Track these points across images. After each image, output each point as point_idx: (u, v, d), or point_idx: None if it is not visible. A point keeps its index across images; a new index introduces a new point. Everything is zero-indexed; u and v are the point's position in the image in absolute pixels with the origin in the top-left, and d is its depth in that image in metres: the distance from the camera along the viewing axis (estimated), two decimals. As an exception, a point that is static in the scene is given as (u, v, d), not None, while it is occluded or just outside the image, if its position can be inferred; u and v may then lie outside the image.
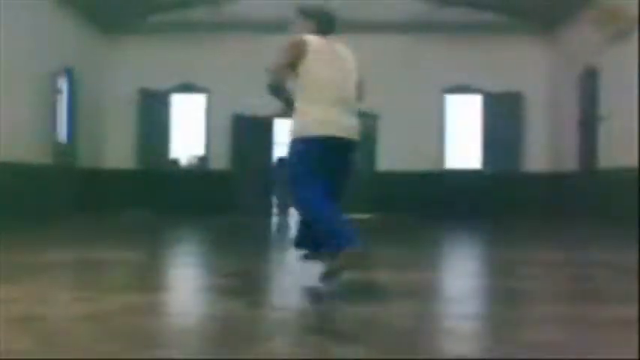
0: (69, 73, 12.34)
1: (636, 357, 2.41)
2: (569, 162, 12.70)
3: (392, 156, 13.80)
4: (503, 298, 3.83)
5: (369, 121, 14.04)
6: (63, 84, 12.29)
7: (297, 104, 3.93)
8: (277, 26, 13.58)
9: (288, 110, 4.04)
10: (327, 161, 3.86)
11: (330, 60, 3.96)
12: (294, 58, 3.90)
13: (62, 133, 12.27)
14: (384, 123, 13.90)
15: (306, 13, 4.27)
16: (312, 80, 3.88)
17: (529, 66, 13.89)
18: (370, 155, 14.06)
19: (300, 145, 3.85)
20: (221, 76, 13.85)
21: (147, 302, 3.48)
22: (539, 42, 14.01)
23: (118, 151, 13.99)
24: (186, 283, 4.52)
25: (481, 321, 3.21)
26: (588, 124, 11.97)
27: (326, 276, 3.75)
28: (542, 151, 13.73)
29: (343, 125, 3.91)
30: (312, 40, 3.97)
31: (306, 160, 3.84)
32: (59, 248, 6.37)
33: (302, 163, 3.85)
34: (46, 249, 6.24)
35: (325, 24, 4.23)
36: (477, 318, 3.25)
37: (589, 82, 11.96)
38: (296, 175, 3.88)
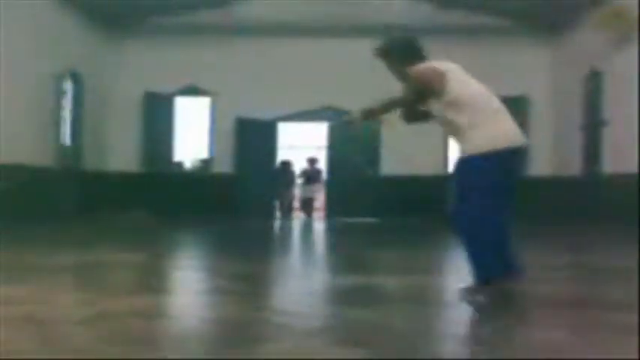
0: (74, 75, 12.38)
1: (636, 357, 2.40)
2: (573, 166, 12.67)
3: (396, 160, 13.78)
4: (504, 301, 3.82)
5: (373, 125, 14.06)
6: (67, 86, 12.33)
7: (462, 123, 3.65)
8: (281, 29, 13.75)
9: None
10: (506, 174, 3.64)
11: (464, 74, 3.81)
12: (439, 86, 3.70)
13: (66, 135, 12.31)
14: (387, 127, 13.87)
15: (395, 50, 4.15)
16: (470, 96, 3.69)
17: (533, 69, 13.87)
18: (374, 159, 14.06)
19: (481, 161, 3.56)
20: (225, 80, 13.87)
21: (149, 305, 3.48)
22: (544, 45, 13.99)
23: (122, 154, 14.01)
24: (189, 286, 4.52)
25: (480, 324, 3.20)
26: (592, 129, 11.94)
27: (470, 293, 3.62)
28: (546, 155, 13.69)
29: (517, 132, 3.67)
30: (438, 63, 3.86)
31: (487, 177, 3.57)
32: (62, 250, 6.38)
33: (483, 180, 3.58)
34: (48, 251, 6.25)
35: (418, 50, 4.10)
36: (476, 321, 3.25)
37: (593, 85, 11.94)
38: (472, 192, 3.60)
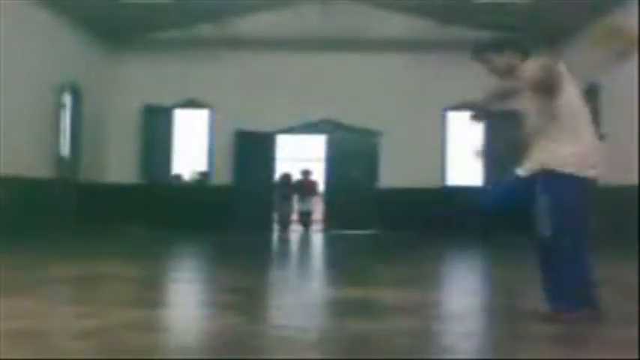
0: (73, 88, 12.42)
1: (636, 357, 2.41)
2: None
3: (394, 173, 13.81)
4: (502, 315, 3.83)
5: (371, 138, 14.10)
6: (67, 99, 12.36)
7: (557, 131, 3.52)
8: (280, 43, 13.82)
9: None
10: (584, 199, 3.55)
11: (574, 84, 3.67)
12: (557, 85, 3.55)
13: (65, 147, 12.32)
14: (385, 140, 13.92)
15: (512, 43, 3.88)
16: (576, 107, 3.60)
17: (531, 84, 13.90)
18: (372, 172, 14.08)
19: (576, 182, 3.46)
20: (224, 92, 13.92)
21: (147, 318, 3.48)
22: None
23: (120, 166, 14.02)
24: (186, 299, 4.52)
25: (480, 338, 3.21)
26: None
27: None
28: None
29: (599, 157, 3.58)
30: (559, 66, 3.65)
31: (580, 203, 3.50)
32: (60, 263, 6.37)
33: (577, 207, 3.49)
34: (47, 263, 6.25)
35: (527, 50, 3.86)
36: (476, 335, 3.25)
37: (591, 99, 11.99)
38: (568, 213, 3.47)
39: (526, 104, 3.68)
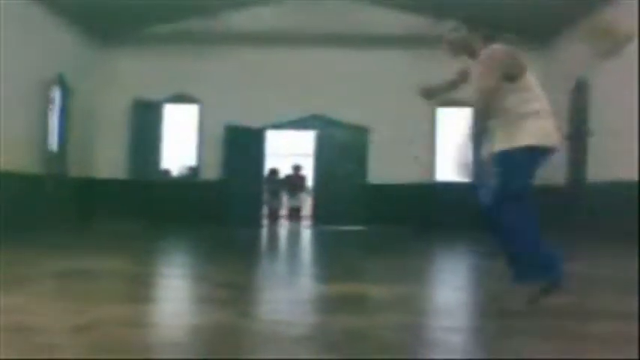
0: (62, 82, 12.34)
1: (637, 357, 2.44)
2: (558, 175, 12.77)
3: (383, 168, 13.84)
4: (490, 310, 3.86)
5: (360, 134, 14.11)
6: (56, 93, 12.29)
7: (525, 110, 3.59)
8: (270, 38, 13.79)
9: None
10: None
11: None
12: (514, 71, 3.59)
13: (54, 142, 12.26)
14: (375, 135, 13.95)
15: (475, 22, 3.90)
16: (536, 93, 3.69)
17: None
18: (361, 168, 14.10)
19: (526, 154, 3.54)
20: (214, 87, 13.90)
21: (136, 313, 3.48)
22: (531, 56, 14.04)
23: (109, 161, 13.97)
24: (176, 294, 4.52)
25: (468, 333, 3.24)
26: (578, 138, 12.06)
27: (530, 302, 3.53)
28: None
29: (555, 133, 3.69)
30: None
31: (525, 175, 3.58)
32: (49, 258, 6.35)
33: (522, 177, 3.57)
34: (35, 259, 6.22)
35: (489, 33, 3.87)
36: (464, 330, 3.28)
37: (580, 96, 12.07)
38: (513, 190, 3.52)
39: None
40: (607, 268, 6.45)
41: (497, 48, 3.64)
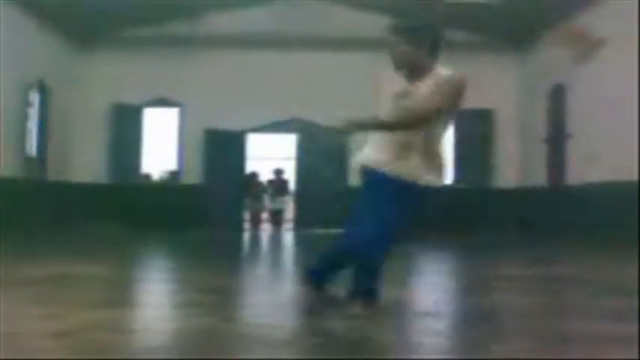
0: (41, 85, 12.23)
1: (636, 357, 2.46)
2: (538, 178, 12.91)
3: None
4: (475, 313, 3.89)
5: (341, 137, 14.13)
6: (35, 97, 12.17)
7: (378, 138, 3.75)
8: (250, 41, 13.78)
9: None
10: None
11: None
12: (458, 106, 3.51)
13: (32, 146, 12.14)
14: (355, 138, 13.95)
15: (416, 32, 3.48)
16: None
17: (499, 84, 14.08)
18: (342, 171, 14.11)
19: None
20: (194, 91, 13.85)
21: (117, 318, 3.46)
22: (509, 60, 14.25)
23: (89, 165, 13.86)
24: (157, 299, 4.50)
25: (454, 336, 3.26)
26: (555, 141, 12.19)
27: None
28: (511, 167, 13.93)
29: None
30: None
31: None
32: (28, 263, 6.28)
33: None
34: (14, 264, 6.15)
35: (436, 46, 3.51)
36: (449, 333, 3.30)
37: (557, 99, 12.21)
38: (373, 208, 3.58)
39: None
40: (587, 269, 6.52)
41: (465, 79, 3.55)
